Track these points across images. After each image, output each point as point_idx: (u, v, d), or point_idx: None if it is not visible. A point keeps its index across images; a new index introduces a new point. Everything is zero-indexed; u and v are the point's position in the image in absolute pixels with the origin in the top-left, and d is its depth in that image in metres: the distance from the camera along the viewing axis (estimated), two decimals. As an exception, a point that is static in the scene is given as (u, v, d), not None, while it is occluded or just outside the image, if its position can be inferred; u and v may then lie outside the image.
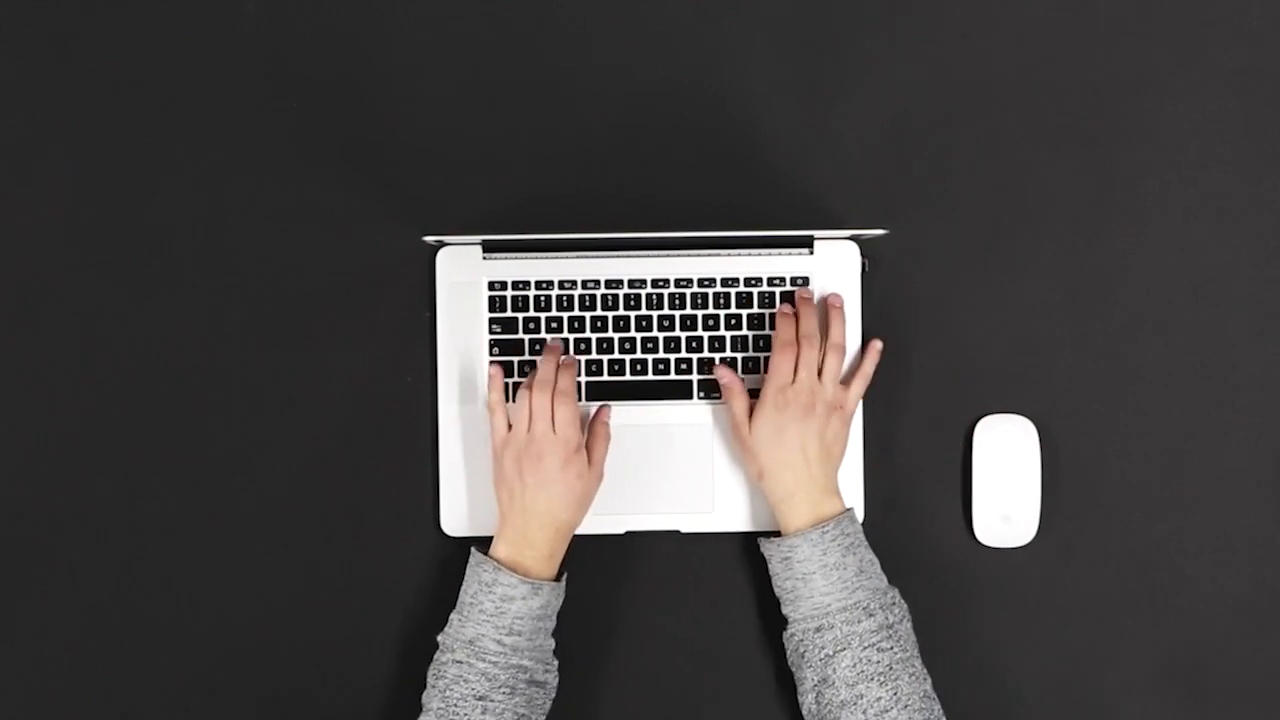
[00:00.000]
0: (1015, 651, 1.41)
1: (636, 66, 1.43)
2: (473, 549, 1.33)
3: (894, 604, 1.31)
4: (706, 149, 1.42)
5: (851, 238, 1.40)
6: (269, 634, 1.41)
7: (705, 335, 1.40)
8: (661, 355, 1.40)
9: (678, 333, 1.40)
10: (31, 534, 1.41)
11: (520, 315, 1.40)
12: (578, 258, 1.40)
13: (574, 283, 1.40)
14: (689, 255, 1.40)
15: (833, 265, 1.40)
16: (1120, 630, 1.41)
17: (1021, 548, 1.41)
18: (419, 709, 1.31)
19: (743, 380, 1.38)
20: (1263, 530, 1.42)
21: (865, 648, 1.28)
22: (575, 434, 1.32)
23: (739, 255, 1.40)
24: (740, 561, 1.41)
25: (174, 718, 1.41)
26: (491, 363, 1.39)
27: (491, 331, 1.40)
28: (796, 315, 1.37)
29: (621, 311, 1.40)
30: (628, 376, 1.40)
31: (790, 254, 1.40)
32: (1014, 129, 1.43)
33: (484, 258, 1.40)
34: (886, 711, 1.27)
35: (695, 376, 1.40)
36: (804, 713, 1.32)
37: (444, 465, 1.40)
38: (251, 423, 1.41)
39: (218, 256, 1.42)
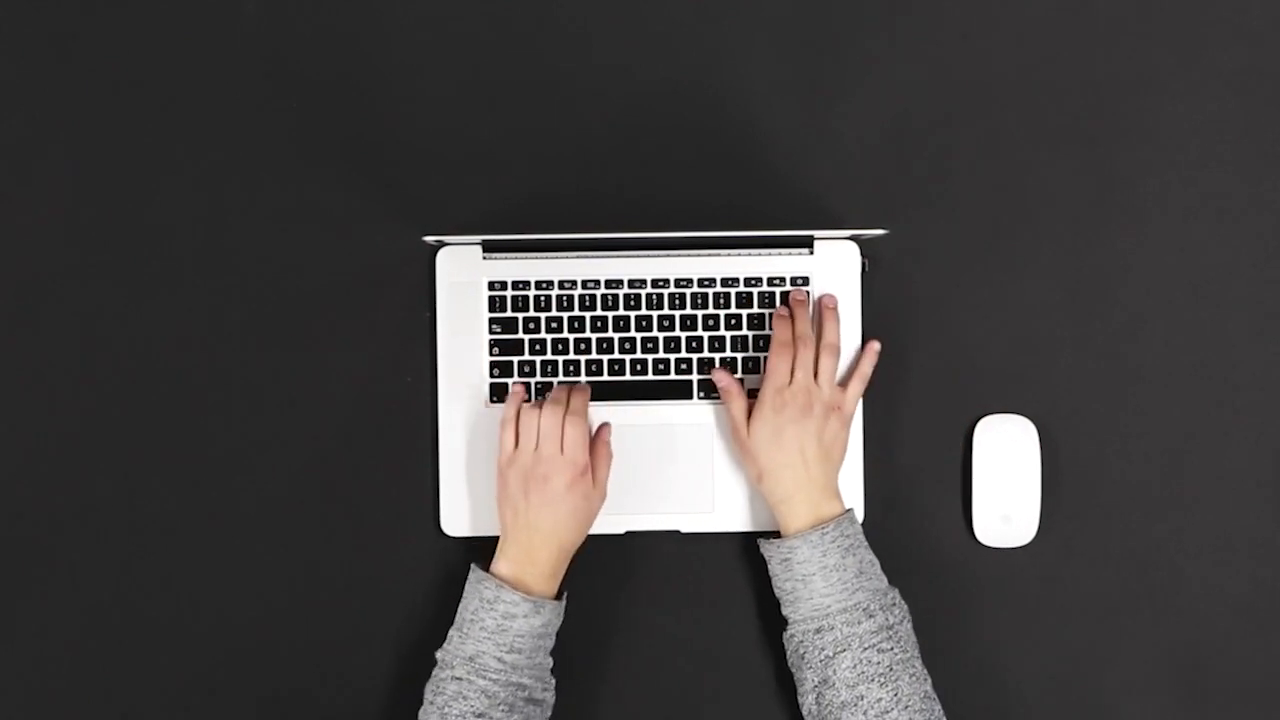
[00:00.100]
0: (1015, 651, 1.41)
1: (636, 66, 1.43)
2: (472, 565, 1.33)
3: (894, 605, 1.31)
4: (706, 149, 1.42)
5: (851, 238, 1.40)
6: (269, 634, 1.41)
7: (705, 335, 1.40)
8: (661, 355, 1.40)
9: (678, 333, 1.40)
10: (31, 534, 1.41)
11: (520, 315, 1.40)
12: (578, 258, 1.40)
13: (574, 283, 1.40)
14: (689, 255, 1.40)
15: (833, 265, 1.40)
16: (1120, 630, 1.41)
17: (1021, 548, 1.41)
18: (419, 709, 1.30)
19: (741, 382, 1.38)
20: (1263, 530, 1.42)
21: (865, 649, 1.28)
22: (583, 455, 1.32)
23: (739, 255, 1.40)
24: (740, 561, 1.41)
25: (174, 718, 1.41)
26: (515, 383, 1.39)
27: (491, 331, 1.40)
28: (792, 316, 1.37)
29: (621, 311, 1.40)
30: (628, 376, 1.40)
31: (790, 254, 1.40)
32: (1014, 129, 1.43)
33: (484, 258, 1.40)
34: (887, 712, 1.27)
35: (695, 376, 1.40)
36: (804, 714, 1.32)
37: (444, 465, 1.40)
38: (251, 423, 1.41)
39: (218, 256, 1.42)
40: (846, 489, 1.38)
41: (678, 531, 1.41)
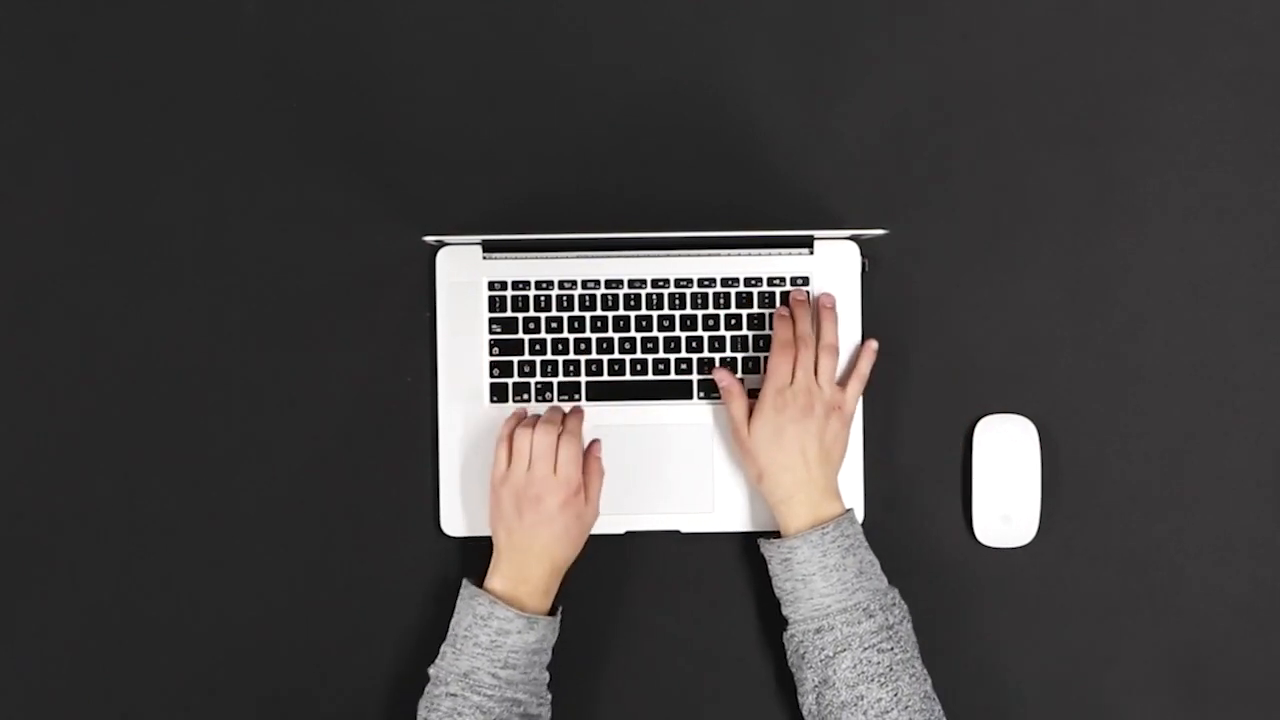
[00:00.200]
0: (1015, 651, 1.41)
1: (636, 66, 1.43)
2: (465, 581, 1.32)
3: (894, 605, 1.31)
4: (706, 149, 1.42)
5: (851, 238, 1.40)
6: (269, 634, 1.41)
7: (705, 335, 1.40)
8: (661, 355, 1.40)
9: (678, 333, 1.40)
10: (31, 534, 1.41)
11: (520, 315, 1.40)
12: (578, 258, 1.40)
13: (574, 283, 1.40)
14: (689, 255, 1.40)
15: (833, 265, 1.40)
16: (1120, 630, 1.41)
17: (1021, 548, 1.41)
18: (417, 709, 1.31)
19: (742, 382, 1.38)
20: (1263, 530, 1.42)
21: (865, 649, 1.28)
22: (576, 474, 1.32)
23: (739, 255, 1.40)
24: (740, 561, 1.41)
25: (174, 718, 1.41)
26: (514, 410, 1.38)
27: (491, 331, 1.40)
28: (793, 317, 1.37)
29: (621, 311, 1.40)
30: (628, 376, 1.40)
31: (790, 254, 1.40)
32: (1014, 129, 1.43)
33: (484, 258, 1.40)
34: (887, 712, 1.27)
35: (695, 376, 1.40)
36: (804, 714, 1.32)
37: (444, 465, 1.40)
38: (251, 423, 1.41)
39: (218, 256, 1.42)
40: (846, 489, 1.38)
41: (677, 531, 1.41)
